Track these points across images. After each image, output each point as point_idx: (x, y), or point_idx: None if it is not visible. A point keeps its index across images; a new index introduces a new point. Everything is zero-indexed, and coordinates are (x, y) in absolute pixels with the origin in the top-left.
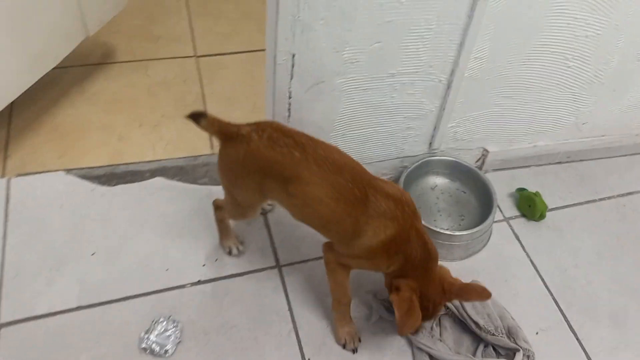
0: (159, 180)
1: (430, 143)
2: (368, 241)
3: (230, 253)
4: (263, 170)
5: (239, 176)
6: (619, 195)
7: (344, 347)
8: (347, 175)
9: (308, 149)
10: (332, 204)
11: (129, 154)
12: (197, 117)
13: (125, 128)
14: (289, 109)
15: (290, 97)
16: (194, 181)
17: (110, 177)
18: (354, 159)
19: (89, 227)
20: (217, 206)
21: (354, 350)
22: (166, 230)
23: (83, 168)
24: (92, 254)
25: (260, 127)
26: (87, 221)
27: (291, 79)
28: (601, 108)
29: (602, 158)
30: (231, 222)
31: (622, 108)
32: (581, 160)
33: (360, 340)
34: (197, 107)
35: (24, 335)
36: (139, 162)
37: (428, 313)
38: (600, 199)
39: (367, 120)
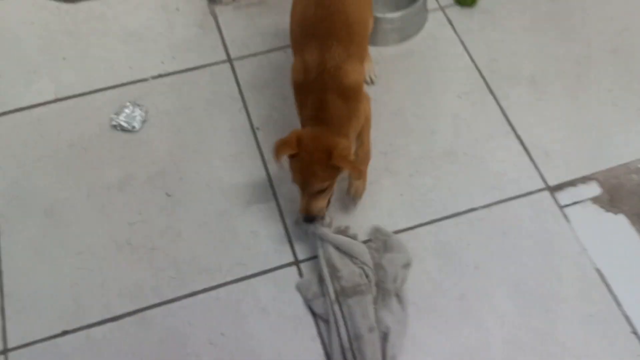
0: None
1: None
2: (291, 72)
3: None
4: None
5: None
6: None
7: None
8: (321, 13)
9: None
10: (296, 21)
11: None
12: None
13: None
14: None
15: None
16: None
17: None
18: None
19: (59, 39)
20: None
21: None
22: (126, 37)
23: None
24: (63, 59)
25: None
26: (56, 34)
27: None
28: None
29: None
30: None
31: None
32: None
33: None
34: None
35: (14, 123)
36: None
37: (302, 165)
38: None
39: None
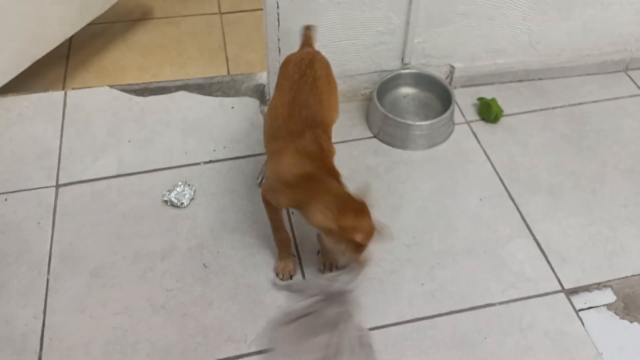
0: (182, 93)
1: (402, 58)
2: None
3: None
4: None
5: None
6: (570, 105)
7: (276, 275)
8: (301, 115)
9: (304, 77)
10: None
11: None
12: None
13: (158, 68)
14: (278, 19)
15: (278, 7)
16: (209, 94)
17: (144, 90)
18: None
19: (126, 124)
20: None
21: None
22: (186, 128)
23: (123, 84)
24: (129, 142)
25: (309, 48)
26: (125, 121)
27: None
28: (550, 28)
29: (558, 77)
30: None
31: (570, 29)
32: (540, 79)
33: (291, 277)
34: (220, 52)
35: (77, 193)
36: (168, 80)
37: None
38: (553, 107)
39: (344, 33)
